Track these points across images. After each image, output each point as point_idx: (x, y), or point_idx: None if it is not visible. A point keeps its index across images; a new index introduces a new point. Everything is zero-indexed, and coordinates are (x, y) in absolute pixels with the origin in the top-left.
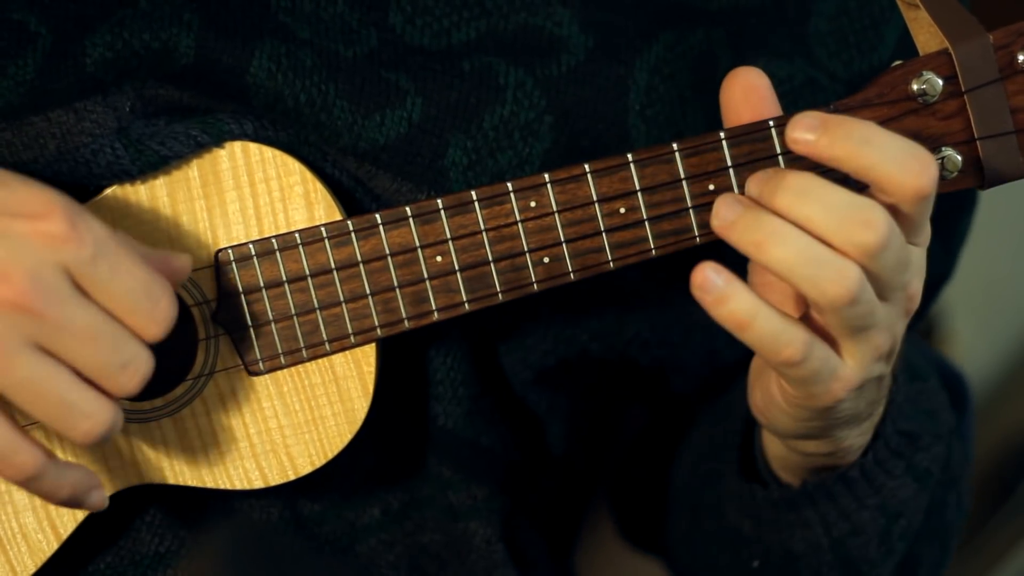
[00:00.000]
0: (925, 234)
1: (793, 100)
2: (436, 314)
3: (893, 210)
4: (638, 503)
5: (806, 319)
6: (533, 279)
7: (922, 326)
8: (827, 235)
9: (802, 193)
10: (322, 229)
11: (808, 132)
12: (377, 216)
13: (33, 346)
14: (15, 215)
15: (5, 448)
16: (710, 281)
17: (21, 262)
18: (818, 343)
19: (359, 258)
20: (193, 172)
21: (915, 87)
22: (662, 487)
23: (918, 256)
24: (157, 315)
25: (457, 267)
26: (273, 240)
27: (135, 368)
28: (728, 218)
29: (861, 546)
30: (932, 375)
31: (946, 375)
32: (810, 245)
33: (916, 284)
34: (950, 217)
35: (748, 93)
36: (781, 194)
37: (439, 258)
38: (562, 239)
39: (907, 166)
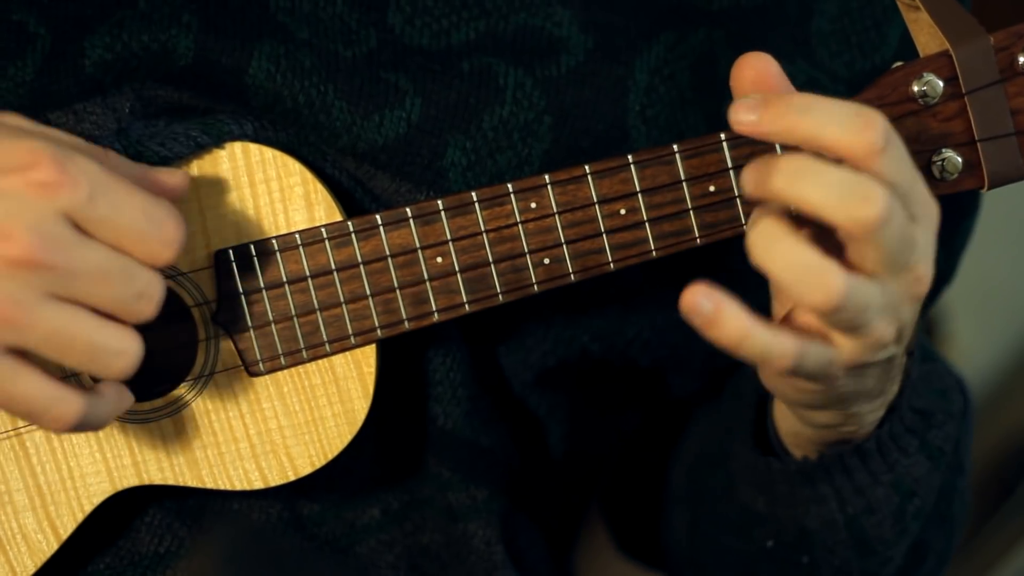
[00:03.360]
0: (920, 204)
1: None
2: (436, 315)
3: None
4: (632, 511)
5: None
6: (533, 280)
7: (922, 326)
8: (827, 213)
9: (797, 173)
10: (322, 230)
11: (750, 112)
12: (377, 217)
13: (50, 297)
14: (4, 170)
15: (46, 401)
16: (699, 307)
17: (20, 217)
18: (812, 348)
19: (359, 259)
20: (194, 172)
21: (916, 88)
22: (658, 489)
23: (924, 236)
24: (165, 236)
25: (457, 268)
26: (273, 241)
27: (149, 296)
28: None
29: (876, 524)
30: (939, 356)
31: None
32: (796, 249)
33: (924, 266)
34: (950, 220)
35: (759, 82)
36: (776, 176)
37: (439, 259)
38: (562, 240)
39: (850, 124)
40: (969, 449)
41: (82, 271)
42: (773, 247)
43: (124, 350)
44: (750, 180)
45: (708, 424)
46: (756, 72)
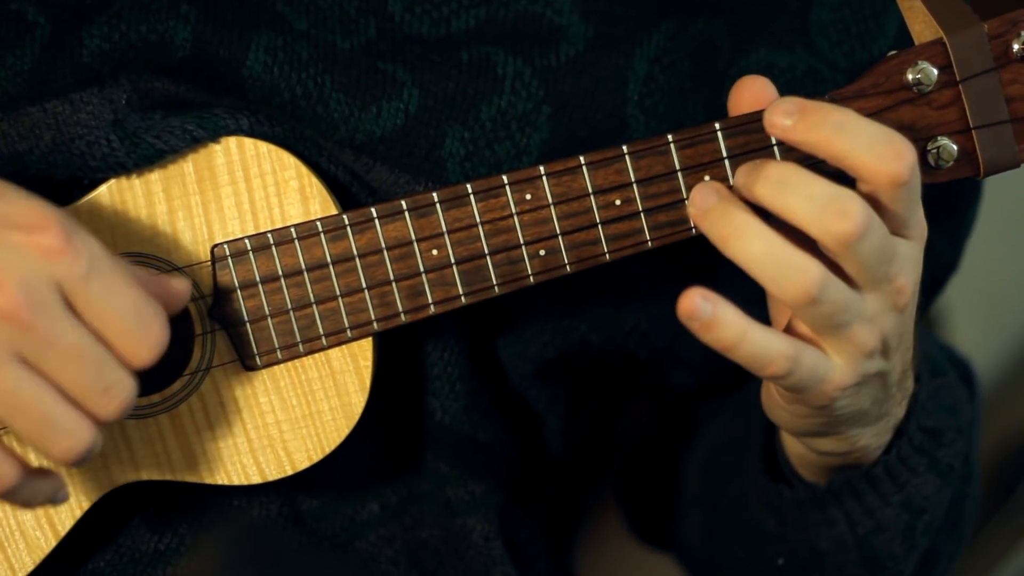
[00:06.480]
0: (915, 226)
1: (794, 90)
2: (432, 307)
3: (873, 200)
4: (647, 499)
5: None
6: (529, 272)
7: (923, 323)
8: (804, 224)
9: (781, 183)
10: (318, 223)
11: (785, 117)
12: (373, 210)
13: (18, 358)
14: (12, 226)
15: None
16: (699, 310)
17: (15, 272)
18: (805, 354)
19: (355, 252)
20: (188, 167)
21: (910, 77)
22: (672, 483)
23: (907, 249)
24: (148, 340)
25: (453, 260)
26: (269, 235)
27: (116, 392)
28: (702, 207)
29: (885, 543)
30: (949, 369)
31: (954, 363)
32: (773, 244)
33: (904, 278)
34: (955, 208)
35: (754, 103)
36: (761, 183)
37: (435, 251)
38: (558, 231)
39: (880, 153)
40: (977, 450)
41: (58, 344)
42: (750, 244)
43: (74, 433)
44: (739, 183)
45: (720, 429)
46: (753, 95)
